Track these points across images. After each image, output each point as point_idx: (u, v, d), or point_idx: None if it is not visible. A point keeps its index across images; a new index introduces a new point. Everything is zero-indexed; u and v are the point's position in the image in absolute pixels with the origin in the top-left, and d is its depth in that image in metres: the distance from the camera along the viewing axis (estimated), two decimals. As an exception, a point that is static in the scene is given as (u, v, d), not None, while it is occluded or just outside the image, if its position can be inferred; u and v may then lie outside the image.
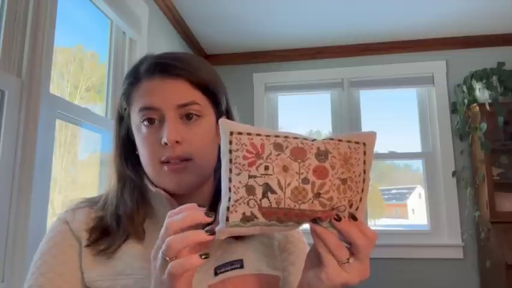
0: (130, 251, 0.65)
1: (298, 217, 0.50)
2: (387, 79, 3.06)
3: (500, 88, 2.65)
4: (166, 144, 0.63)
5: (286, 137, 0.52)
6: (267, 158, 0.50)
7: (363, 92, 3.14)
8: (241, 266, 0.66)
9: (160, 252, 0.48)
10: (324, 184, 0.50)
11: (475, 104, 2.68)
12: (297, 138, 0.52)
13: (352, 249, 0.51)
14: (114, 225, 0.66)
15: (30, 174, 1.22)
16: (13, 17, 1.26)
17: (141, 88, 0.68)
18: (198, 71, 0.69)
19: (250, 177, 0.49)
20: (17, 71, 1.25)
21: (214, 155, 0.69)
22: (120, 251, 0.65)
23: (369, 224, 2.98)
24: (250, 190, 0.49)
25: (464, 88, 2.79)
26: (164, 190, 0.67)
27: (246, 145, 0.51)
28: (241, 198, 0.49)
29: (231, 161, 0.51)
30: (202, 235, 0.48)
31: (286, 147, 0.51)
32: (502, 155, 2.64)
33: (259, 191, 0.49)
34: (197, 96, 0.67)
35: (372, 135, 0.56)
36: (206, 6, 2.51)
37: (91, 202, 0.72)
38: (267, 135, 0.52)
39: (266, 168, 0.49)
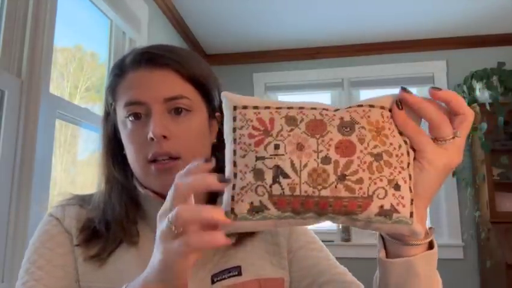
0: (124, 256, 0.61)
1: (319, 206, 0.40)
2: (387, 79, 3.06)
3: (500, 88, 2.65)
4: (152, 139, 0.58)
5: (301, 108, 0.43)
6: (277, 135, 0.41)
7: (363, 92, 3.14)
8: (239, 273, 0.62)
9: (167, 218, 0.41)
10: (351, 162, 0.40)
11: (475, 104, 2.68)
12: (314, 108, 0.43)
13: (455, 122, 0.44)
14: (103, 230, 0.62)
15: (30, 174, 1.22)
16: (13, 17, 1.26)
17: (126, 80, 0.63)
18: (189, 62, 0.64)
19: (257, 159, 0.41)
20: (16, 70, 1.25)
21: (205, 153, 0.65)
22: (114, 256, 0.61)
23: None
24: (258, 175, 0.40)
25: (465, 88, 2.79)
26: (154, 192, 0.63)
27: (251, 121, 0.42)
28: (247, 184, 0.41)
29: (235, 141, 0.42)
30: (218, 215, 0.40)
31: (301, 120, 0.42)
32: (502, 155, 2.64)
33: (268, 176, 0.40)
34: (187, 89, 0.62)
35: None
36: (206, 6, 2.50)
37: (81, 200, 0.68)
38: (277, 108, 0.43)
39: (276, 147, 0.41)
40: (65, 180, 1.70)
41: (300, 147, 0.41)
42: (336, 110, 0.44)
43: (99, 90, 1.97)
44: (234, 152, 0.42)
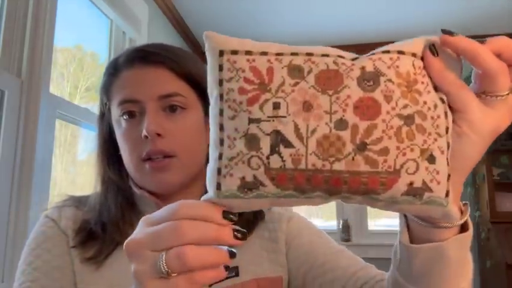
0: (121, 258, 0.59)
1: (330, 184, 0.32)
2: (387, 79, 3.05)
3: (500, 88, 2.65)
4: (146, 137, 0.57)
5: (309, 54, 0.34)
6: (277, 91, 0.32)
7: (363, 92, 3.14)
8: (237, 274, 0.60)
9: (163, 260, 0.33)
10: (374, 127, 0.32)
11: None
12: (327, 55, 0.34)
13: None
14: (100, 232, 0.61)
15: (30, 174, 1.22)
16: (13, 17, 1.26)
17: (120, 79, 0.62)
18: (183, 60, 0.63)
19: (251, 121, 0.32)
20: (17, 71, 1.25)
21: (202, 152, 0.64)
22: (111, 258, 0.60)
23: (369, 223, 2.98)
24: (251, 142, 0.32)
25: (464, 88, 2.79)
26: (150, 191, 0.62)
27: (243, 71, 0.33)
28: (238, 154, 0.32)
29: (221, 97, 0.34)
30: (224, 257, 0.34)
31: (310, 71, 0.33)
32: (502, 155, 2.64)
33: (265, 144, 0.32)
34: (181, 87, 0.61)
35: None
36: (206, 6, 2.51)
37: (77, 202, 0.67)
38: (277, 54, 0.34)
39: (276, 106, 0.32)
40: (65, 180, 1.70)
41: (307, 107, 0.32)
42: (355, 58, 0.35)
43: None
44: (221, 111, 0.33)
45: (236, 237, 0.34)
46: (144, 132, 0.57)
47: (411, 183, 0.32)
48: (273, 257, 0.65)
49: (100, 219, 0.62)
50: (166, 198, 0.63)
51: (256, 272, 0.62)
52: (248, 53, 0.34)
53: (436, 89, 0.35)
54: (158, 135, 0.58)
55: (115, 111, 0.62)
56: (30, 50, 1.26)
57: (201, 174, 0.66)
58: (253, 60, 0.33)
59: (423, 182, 0.33)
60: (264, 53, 0.34)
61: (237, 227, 0.35)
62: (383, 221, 3.27)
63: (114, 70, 0.64)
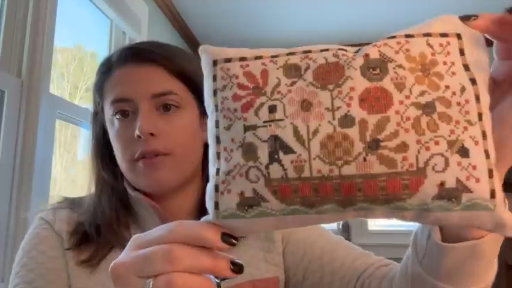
0: None
1: (342, 192, 0.27)
2: (387, 79, 3.05)
3: (500, 88, 2.65)
4: (139, 137, 0.56)
5: (307, 51, 0.31)
6: (272, 93, 0.29)
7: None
8: None
9: (151, 284, 0.31)
10: (386, 121, 0.27)
11: (475, 104, 2.67)
12: (326, 50, 0.31)
13: None
14: (94, 234, 0.60)
15: (30, 174, 1.22)
16: (13, 17, 1.26)
17: (113, 78, 0.61)
18: (177, 57, 0.61)
19: (246, 129, 0.29)
20: (17, 71, 1.25)
21: (197, 151, 0.62)
22: (106, 261, 0.58)
23: (369, 223, 2.97)
24: (248, 151, 0.29)
25: (464, 88, 2.79)
26: (145, 193, 0.61)
27: (237, 77, 0.31)
28: (235, 167, 0.29)
29: (216, 108, 0.31)
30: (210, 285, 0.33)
31: (307, 67, 0.30)
32: (502, 154, 2.64)
33: (263, 152, 0.28)
34: (175, 85, 0.59)
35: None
36: (206, 5, 2.51)
37: (71, 204, 0.66)
38: (273, 56, 0.31)
39: (272, 109, 0.29)
40: (65, 180, 1.70)
41: (306, 106, 0.28)
42: (358, 51, 0.31)
43: (99, 90, 1.97)
44: (217, 123, 0.31)
45: (232, 270, 0.33)
46: (137, 132, 0.56)
47: (442, 184, 0.27)
48: (269, 257, 0.64)
49: (95, 221, 0.61)
50: (161, 200, 0.61)
51: (252, 273, 0.61)
52: (242, 59, 0.32)
53: (467, 67, 0.30)
54: (152, 134, 0.57)
55: (108, 111, 0.61)
56: (30, 50, 1.26)
57: (196, 175, 0.64)
58: (247, 66, 0.31)
59: (458, 181, 0.27)
60: (259, 57, 0.31)
61: (234, 259, 0.33)
62: (383, 221, 3.27)
63: (107, 69, 0.63)
